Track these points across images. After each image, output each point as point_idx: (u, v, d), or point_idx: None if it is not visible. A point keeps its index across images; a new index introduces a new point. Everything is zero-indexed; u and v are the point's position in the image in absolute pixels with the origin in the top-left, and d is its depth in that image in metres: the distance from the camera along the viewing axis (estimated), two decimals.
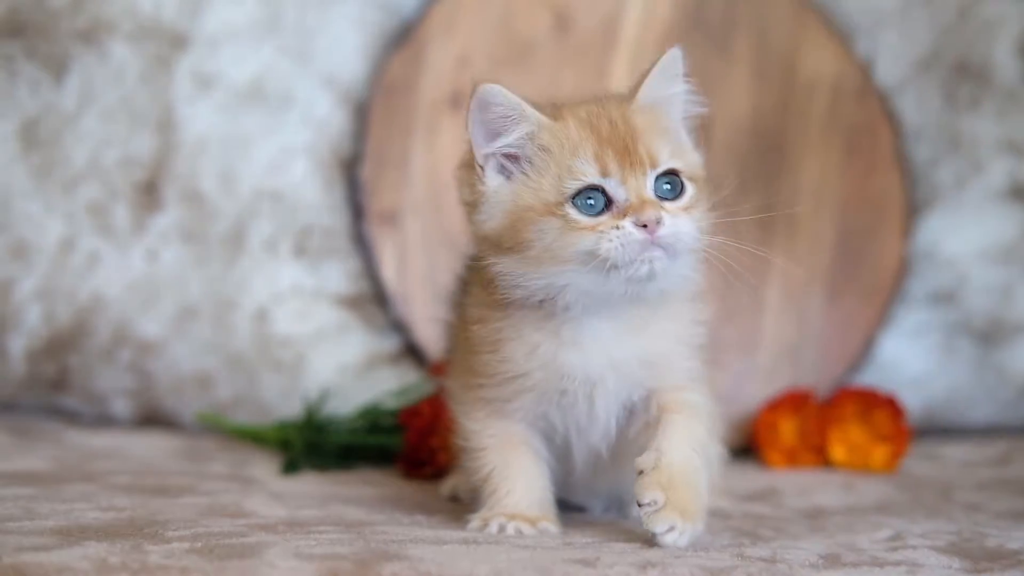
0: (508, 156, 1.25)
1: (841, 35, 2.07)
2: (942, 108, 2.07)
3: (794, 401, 1.89)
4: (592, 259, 1.20)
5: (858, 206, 2.03)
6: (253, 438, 1.90)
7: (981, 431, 2.07)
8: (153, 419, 2.00)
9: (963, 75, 2.07)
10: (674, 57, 1.29)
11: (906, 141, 2.07)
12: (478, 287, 1.30)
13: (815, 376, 1.99)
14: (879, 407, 1.85)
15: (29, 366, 1.98)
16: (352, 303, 2.01)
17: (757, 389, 1.97)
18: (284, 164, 2.00)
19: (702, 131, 1.95)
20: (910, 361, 2.06)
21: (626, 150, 1.22)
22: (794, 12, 2.06)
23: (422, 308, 1.96)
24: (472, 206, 1.26)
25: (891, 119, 2.06)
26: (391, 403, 1.85)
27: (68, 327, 1.97)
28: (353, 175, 2.02)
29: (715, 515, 1.45)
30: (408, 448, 1.69)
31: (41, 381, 1.99)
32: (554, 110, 1.25)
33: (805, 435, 1.86)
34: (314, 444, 1.79)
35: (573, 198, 1.21)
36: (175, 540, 1.16)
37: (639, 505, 1.22)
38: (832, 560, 1.18)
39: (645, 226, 1.20)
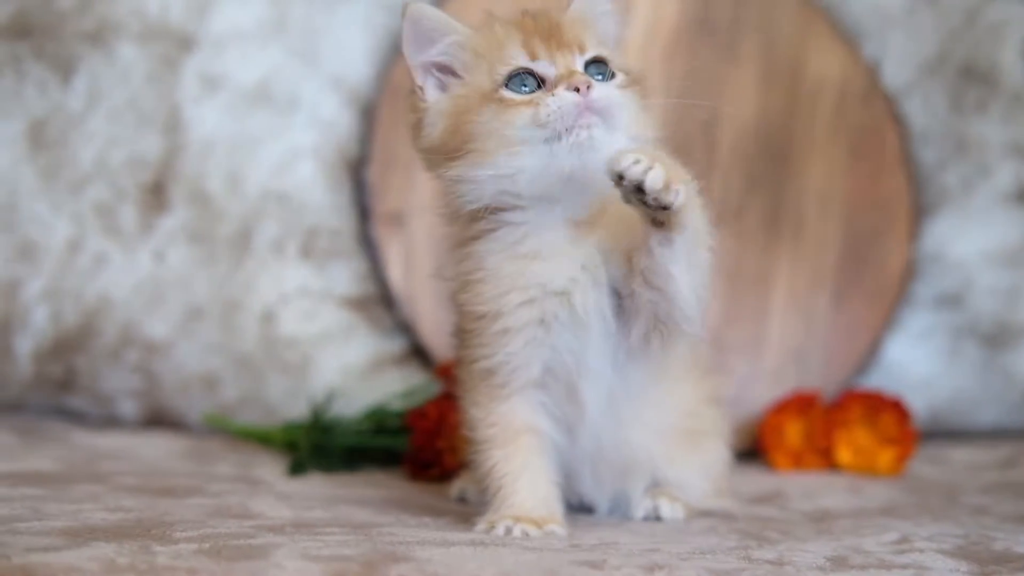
0: (442, 68, 1.30)
1: (848, 38, 2.07)
2: (949, 111, 2.07)
3: (800, 404, 1.89)
4: (534, 129, 1.24)
5: (865, 209, 2.03)
6: (259, 439, 1.90)
7: (987, 434, 2.07)
8: (160, 420, 2.00)
9: (970, 78, 2.07)
10: None
11: (913, 144, 2.07)
12: (451, 242, 1.34)
13: (821, 379, 1.99)
14: (885, 410, 1.85)
15: (36, 367, 1.99)
16: (358, 304, 2.01)
17: (763, 392, 1.97)
18: (291, 165, 2.00)
19: (708, 133, 1.96)
20: (916, 364, 2.06)
21: (552, 36, 1.28)
22: (801, 15, 2.06)
23: (428, 309, 1.96)
24: (416, 126, 1.31)
25: (898, 122, 2.06)
26: (397, 404, 1.85)
27: (75, 328, 1.97)
28: (360, 177, 2.02)
29: (721, 517, 1.46)
30: (414, 450, 1.69)
31: (48, 382, 2.00)
32: (478, 23, 1.32)
33: (811, 438, 1.87)
34: (320, 445, 1.79)
35: (506, 84, 1.26)
36: (183, 541, 1.16)
37: (617, 173, 1.20)
38: (839, 563, 1.18)
39: (577, 90, 1.24)
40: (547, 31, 1.28)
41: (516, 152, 1.25)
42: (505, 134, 1.25)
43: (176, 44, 1.99)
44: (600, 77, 1.28)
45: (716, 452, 1.46)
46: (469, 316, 1.31)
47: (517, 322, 1.29)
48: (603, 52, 1.29)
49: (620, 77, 1.29)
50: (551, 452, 1.33)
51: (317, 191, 2.00)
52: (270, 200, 1.99)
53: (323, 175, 2.01)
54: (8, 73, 1.99)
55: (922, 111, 2.07)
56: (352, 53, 2.03)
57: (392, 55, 2.03)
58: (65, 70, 1.99)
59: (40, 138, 1.98)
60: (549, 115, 1.23)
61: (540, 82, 1.26)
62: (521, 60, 1.27)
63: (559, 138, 1.24)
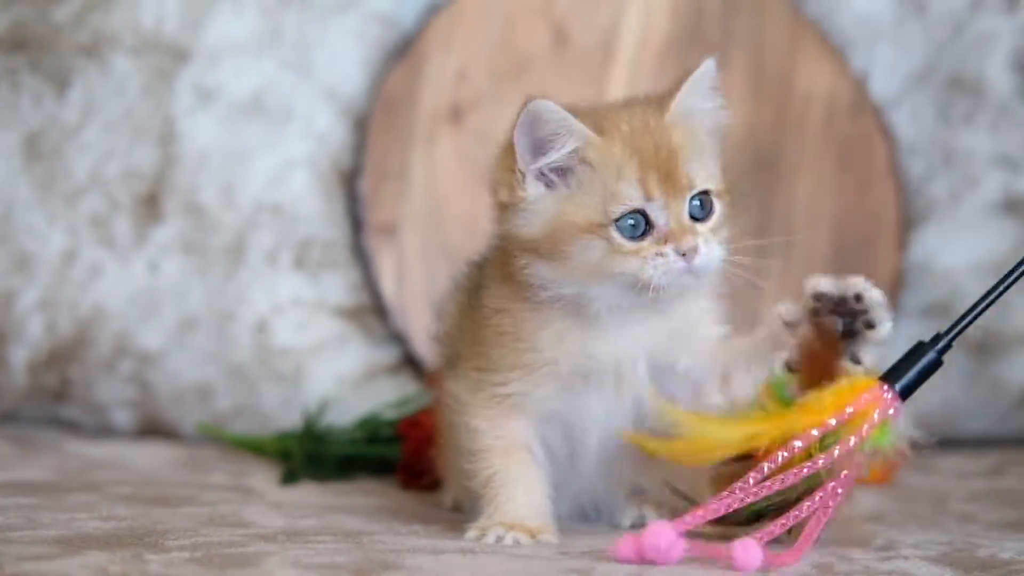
0: (552, 168, 1.26)
1: (836, 50, 2.08)
2: (936, 123, 2.08)
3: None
4: (633, 282, 1.23)
5: (853, 220, 2.05)
6: (253, 448, 1.91)
7: (975, 443, 2.08)
8: (153, 429, 2.01)
9: (957, 90, 2.09)
10: (708, 70, 1.29)
11: (901, 155, 2.08)
12: (497, 283, 1.31)
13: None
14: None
15: (30, 377, 2.00)
16: (351, 315, 2.02)
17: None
18: (284, 177, 2.01)
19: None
20: None
21: (668, 174, 1.23)
22: (790, 28, 2.08)
23: (421, 319, 1.97)
24: (508, 208, 1.27)
25: (886, 134, 2.08)
26: (390, 414, 1.86)
27: (69, 338, 1.98)
28: (353, 188, 2.03)
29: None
30: (407, 459, 1.71)
31: (42, 392, 2.01)
32: (598, 121, 1.25)
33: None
34: (313, 455, 1.80)
35: (616, 220, 1.23)
36: (175, 549, 1.17)
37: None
38: (824, 569, 1.19)
39: (683, 254, 1.23)
40: (664, 163, 1.23)
41: (607, 287, 1.25)
42: (602, 272, 1.23)
43: (170, 56, 2.01)
44: (699, 207, 1.25)
45: None
46: (495, 339, 1.31)
47: (565, 372, 1.29)
48: (708, 185, 1.26)
49: (718, 210, 1.27)
50: (545, 472, 1.34)
51: (310, 202, 2.02)
52: (264, 211, 2.00)
53: (316, 186, 2.02)
54: (4, 85, 2.00)
55: (910, 123, 2.09)
56: (345, 65, 2.04)
57: (385, 67, 2.04)
58: (60, 82, 2.00)
59: (35, 150, 2.00)
60: (653, 277, 1.22)
61: (647, 222, 1.23)
62: (636, 201, 1.22)
63: (649, 289, 1.23)
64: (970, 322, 1.25)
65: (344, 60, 2.04)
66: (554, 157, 1.24)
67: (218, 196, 2.00)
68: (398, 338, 2.02)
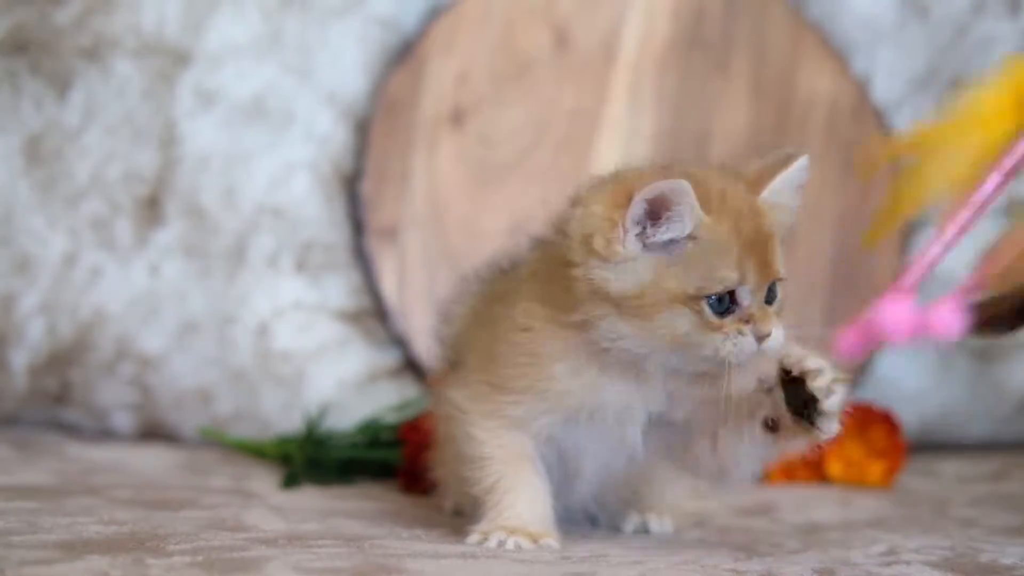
0: (656, 233, 1.23)
1: (838, 53, 2.08)
2: None
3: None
4: (710, 356, 1.23)
5: (855, 222, 2.05)
6: (254, 452, 1.91)
7: (977, 447, 2.08)
8: (154, 433, 2.01)
9: (959, 92, 2.08)
10: (801, 167, 1.30)
11: (903, 158, 2.08)
12: (533, 301, 1.30)
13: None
14: (875, 422, 1.85)
15: (31, 380, 2.00)
16: (353, 318, 2.02)
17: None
18: (285, 180, 2.01)
19: (700, 148, 1.98)
20: (907, 377, 2.07)
21: (763, 262, 1.24)
22: (792, 31, 2.08)
23: (422, 323, 1.97)
24: (598, 257, 1.23)
25: (888, 136, 2.08)
26: (391, 418, 1.86)
27: (70, 341, 1.98)
28: (354, 191, 2.03)
29: (712, 529, 1.47)
30: (408, 463, 1.70)
31: (43, 395, 2.01)
32: (705, 195, 1.23)
33: None
34: (314, 458, 1.80)
35: (708, 296, 1.23)
36: (176, 554, 1.17)
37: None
38: (826, 574, 1.19)
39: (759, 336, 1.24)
40: (761, 251, 1.24)
41: (679, 353, 1.24)
42: (683, 341, 1.23)
43: (172, 60, 2.01)
44: (770, 296, 1.27)
45: None
46: (511, 357, 1.30)
47: (573, 407, 1.29)
48: (783, 274, 1.28)
49: (780, 295, 1.28)
50: (546, 479, 1.34)
51: (312, 205, 2.02)
52: (265, 214, 2.00)
53: (318, 189, 2.02)
54: (4, 88, 2.00)
55: (912, 125, 2.08)
56: (346, 68, 2.04)
57: (386, 70, 2.04)
58: (61, 85, 2.00)
59: (36, 153, 1.99)
60: (730, 354, 1.23)
61: (732, 299, 1.23)
62: (732, 283, 1.22)
63: (722, 364, 1.24)
64: None
65: (345, 63, 2.04)
66: (666, 237, 1.22)
67: (219, 199, 2.00)
68: (399, 342, 2.02)
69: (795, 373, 1.23)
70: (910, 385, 2.06)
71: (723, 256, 1.23)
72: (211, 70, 2.01)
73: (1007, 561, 1.27)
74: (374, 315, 2.02)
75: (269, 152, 2.01)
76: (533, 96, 2.05)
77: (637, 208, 1.21)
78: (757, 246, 1.24)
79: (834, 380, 1.23)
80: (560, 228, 1.28)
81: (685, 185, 1.20)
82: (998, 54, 2.08)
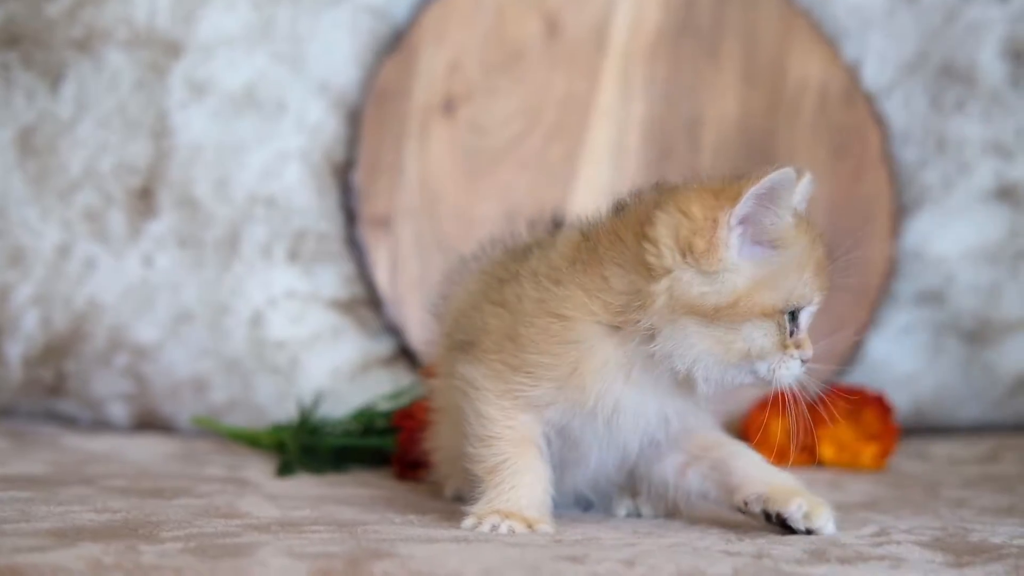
0: (756, 237, 1.22)
1: (828, 39, 2.09)
2: (929, 110, 2.09)
3: (784, 400, 1.90)
4: (765, 375, 1.25)
5: (846, 208, 2.05)
6: (248, 441, 1.91)
7: (969, 429, 2.09)
8: (149, 423, 2.01)
9: (949, 78, 2.09)
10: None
11: (893, 143, 2.09)
12: (576, 290, 1.27)
13: (805, 376, 2.00)
14: (868, 406, 1.86)
15: (26, 372, 2.00)
16: (346, 307, 2.03)
17: (747, 389, 1.98)
18: (278, 170, 2.02)
19: (691, 134, 1.98)
20: (899, 361, 2.08)
21: (823, 284, 1.26)
22: (782, 17, 2.08)
23: (415, 311, 1.98)
24: (696, 264, 1.21)
25: (878, 122, 2.08)
26: (385, 405, 1.86)
27: (65, 333, 1.98)
28: (346, 180, 2.03)
29: (704, 512, 1.47)
30: (401, 450, 1.71)
31: (38, 386, 2.01)
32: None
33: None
34: (309, 447, 1.81)
35: (790, 311, 1.23)
36: (169, 540, 1.17)
37: (782, 519, 1.29)
38: (817, 555, 1.19)
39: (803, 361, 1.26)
40: (825, 273, 1.26)
41: (740, 368, 1.25)
42: (753, 354, 1.23)
43: (163, 50, 2.01)
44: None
45: None
46: (537, 343, 1.28)
47: (573, 397, 1.29)
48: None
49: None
50: (549, 465, 1.34)
51: (304, 195, 2.02)
52: (257, 204, 2.01)
53: (310, 179, 2.03)
54: None
55: (902, 111, 2.09)
56: (338, 57, 2.04)
57: (377, 59, 2.05)
58: (53, 77, 2.00)
59: (29, 145, 2.00)
60: (783, 376, 1.25)
61: (793, 318, 1.23)
62: (806, 301, 1.23)
63: (772, 384, 1.26)
64: None
65: (337, 53, 2.04)
66: (767, 227, 1.20)
67: (212, 189, 2.00)
68: (392, 330, 2.02)
69: (774, 518, 1.29)
70: (902, 368, 2.07)
71: (802, 271, 1.23)
72: (203, 61, 2.01)
73: (997, 540, 1.27)
74: (367, 304, 2.03)
75: (261, 142, 2.01)
76: (524, 84, 2.06)
77: (747, 204, 1.19)
78: (824, 271, 1.25)
79: (811, 513, 1.28)
80: (636, 231, 1.24)
81: (792, 173, 1.19)
82: (988, 39, 2.09)
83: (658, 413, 1.30)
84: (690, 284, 1.21)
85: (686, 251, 1.21)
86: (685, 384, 1.26)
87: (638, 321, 1.23)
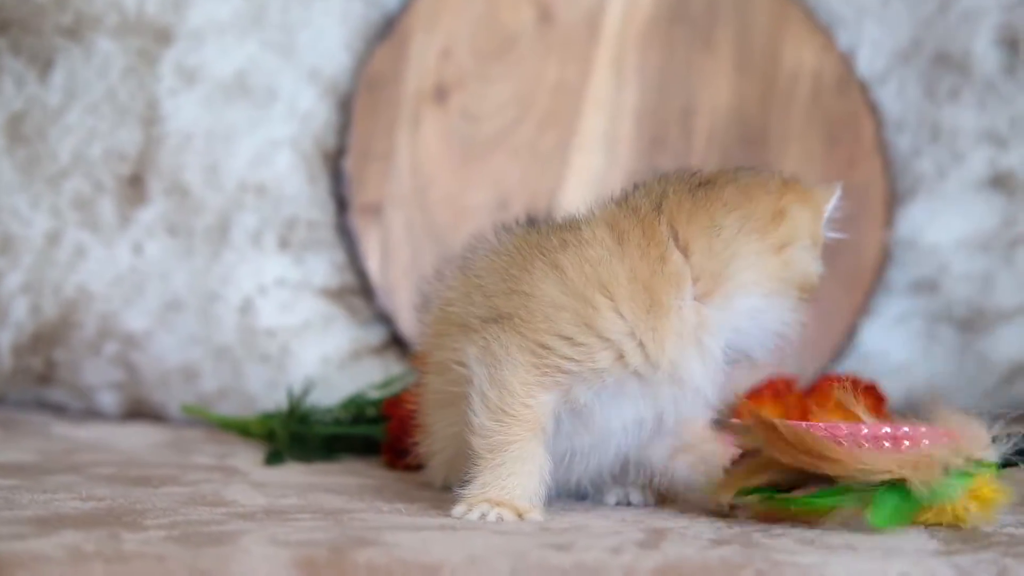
0: None
1: (822, 27, 2.08)
2: (923, 99, 2.08)
3: (776, 389, 1.89)
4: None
5: (840, 196, 2.04)
6: (238, 430, 1.91)
7: None
8: (139, 412, 2.01)
9: (943, 66, 2.08)
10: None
11: (887, 131, 2.08)
12: (642, 261, 1.28)
13: (798, 366, 2.00)
14: (861, 395, 1.85)
15: (15, 360, 1.99)
16: (336, 295, 2.02)
17: (740, 378, 1.97)
18: (268, 157, 2.01)
19: (684, 122, 1.97)
20: (892, 350, 2.07)
21: None
22: (776, 4, 2.07)
23: (406, 300, 1.97)
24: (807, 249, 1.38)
25: (872, 110, 2.07)
26: (375, 394, 1.86)
27: (54, 321, 1.98)
28: (337, 168, 2.03)
29: (694, 501, 1.46)
30: (391, 438, 1.70)
31: (27, 375, 2.00)
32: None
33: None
34: (298, 435, 1.80)
35: None
36: (152, 528, 1.16)
37: None
38: (808, 543, 1.19)
39: None
40: None
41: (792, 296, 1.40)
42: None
43: (153, 37, 2.00)
44: None
45: None
46: (580, 324, 1.28)
47: (612, 374, 1.29)
48: None
49: None
50: (549, 454, 1.33)
51: (295, 182, 2.01)
52: (248, 192, 2.00)
53: (301, 167, 2.02)
54: None
55: (896, 99, 2.08)
56: (329, 45, 2.03)
57: (369, 46, 2.04)
58: (43, 64, 1.99)
59: (18, 132, 1.99)
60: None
61: None
62: None
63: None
64: None
65: (328, 40, 2.03)
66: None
67: (202, 177, 1.99)
68: (383, 318, 2.01)
69: None
70: (896, 358, 2.07)
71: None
72: (193, 48, 2.00)
73: (987, 528, 1.27)
74: (358, 292, 2.02)
75: (252, 130, 2.01)
76: (517, 72, 2.05)
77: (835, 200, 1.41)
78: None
79: None
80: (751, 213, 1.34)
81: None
82: (982, 27, 2.08)
83: (713, 382, 1.33)
84: (812, 267, 1.39)
85: (812, 230, 1.39)
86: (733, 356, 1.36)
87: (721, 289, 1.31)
